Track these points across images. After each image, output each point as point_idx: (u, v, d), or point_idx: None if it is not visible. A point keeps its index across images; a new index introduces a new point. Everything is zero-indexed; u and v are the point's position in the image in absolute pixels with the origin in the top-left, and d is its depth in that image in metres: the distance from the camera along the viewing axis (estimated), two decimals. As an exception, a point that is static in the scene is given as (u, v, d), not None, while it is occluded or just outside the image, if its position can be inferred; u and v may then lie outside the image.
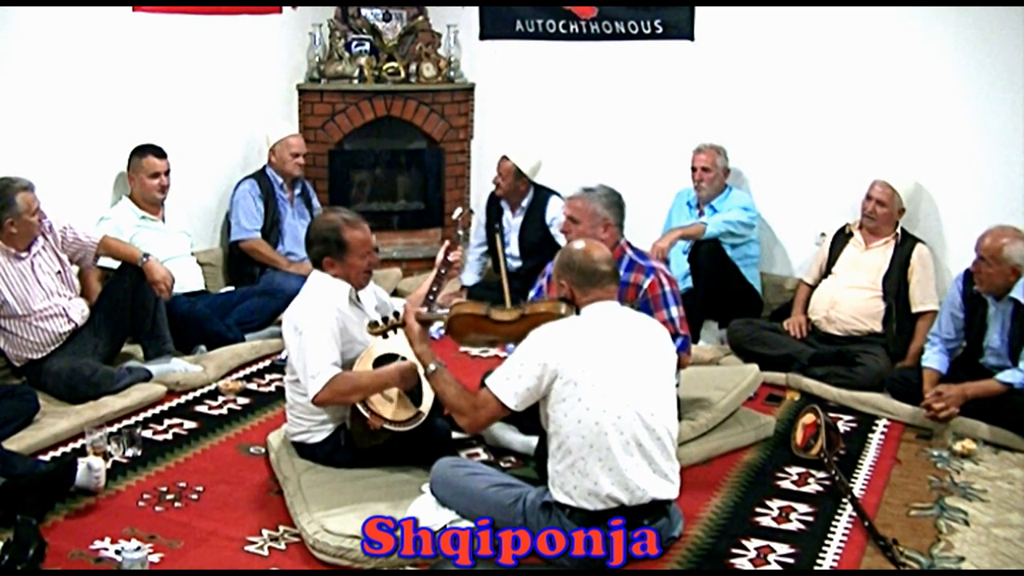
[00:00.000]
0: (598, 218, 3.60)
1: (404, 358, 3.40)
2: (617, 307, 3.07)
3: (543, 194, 5.46)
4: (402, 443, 3.36)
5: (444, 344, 3.44)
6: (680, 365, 3.63)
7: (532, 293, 3.94)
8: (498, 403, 2.92)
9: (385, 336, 3.33)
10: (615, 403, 2.83)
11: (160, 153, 4.86)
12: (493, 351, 4.82)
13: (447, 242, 3.63)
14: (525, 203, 5.47)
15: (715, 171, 5.14)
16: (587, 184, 3.71)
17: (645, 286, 3.56)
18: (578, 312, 3.05)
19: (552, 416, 2.90)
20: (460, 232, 3.66)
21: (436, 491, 3.13)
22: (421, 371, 3.23)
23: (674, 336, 3.52)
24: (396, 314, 3.30)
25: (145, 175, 4.83)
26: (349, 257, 3.41)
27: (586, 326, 2.98)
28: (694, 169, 5.19)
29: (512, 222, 5.52)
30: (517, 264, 5.44)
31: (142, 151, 4.84)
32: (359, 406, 3.26)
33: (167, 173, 4.88)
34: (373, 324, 3.30)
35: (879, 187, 4.69)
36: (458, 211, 3.77)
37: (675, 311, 3.58)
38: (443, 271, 3.60)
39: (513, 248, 5.50)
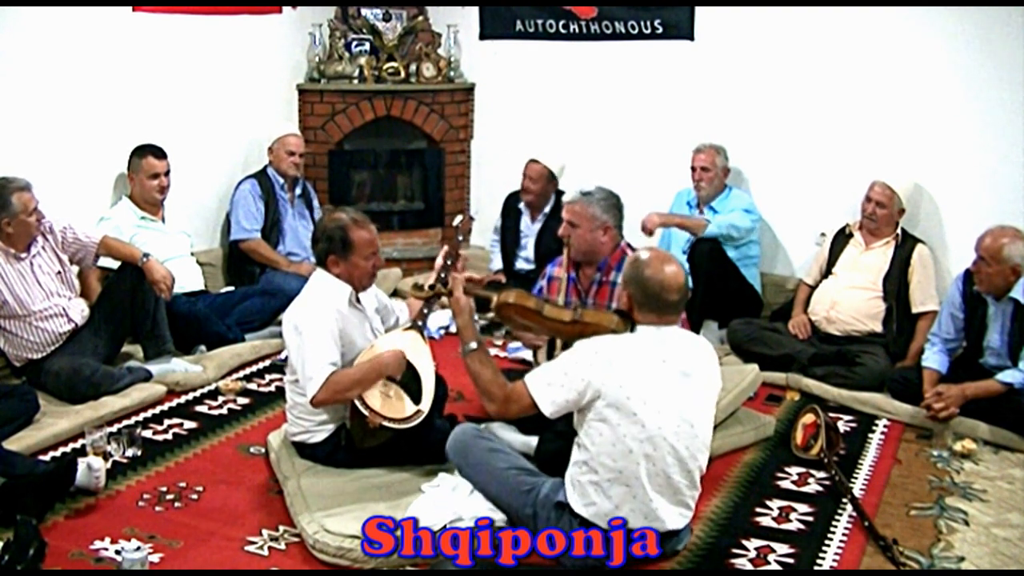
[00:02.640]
0: (597, 221, 3.60)
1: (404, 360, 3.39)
2: (675, 331, 2.93)
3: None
4: (402, 443, 3.36)
5: (444, 344, 3.43)
6: None
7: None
8: (532, 402, 2.86)
9: (428, 302, 3.29)
10: (653, 435, 2.79)
11: (160, 154, 4.86)
12: (493, 351, 4.82)
13: (446, 247, 3.63)
14: (548, 209, 5.40)
15: (715, 171, 5.14)
16: (584, 187, 3.69)
17: None
18: (634, 328, 2.95)
19: (586, 430, 2.85)
20: (460, 238, 3.66)
21: (452, 455, 3.10)
22: (422, 365, 3.21)
23: None
24: (444, 282, 3.26)
25: (145, 176, 4.83)
26: (353, 257, 3.40)
27: (638, 350, 2.86)
28: (694, 169, 5.18)
29: (531, 227, 5.49)
30: (530, 267, 5.42)
31: (142, 152, 4.84)
32: (357, 403, 3.26)
33: (167, 174, 4.88)
34: (418, 287, 3.26)
35: (878, 188, 4.68)
36: (458, 218, 3.78)
37: None
38: (443, 275, 3.60)
39: (528, 252, 5.48)
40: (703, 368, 2.94)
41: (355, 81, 6.05)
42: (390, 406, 3.31)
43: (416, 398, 3.37)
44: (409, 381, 3.38)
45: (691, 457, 2.87)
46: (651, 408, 2.79)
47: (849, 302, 4.66)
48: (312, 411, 3.39)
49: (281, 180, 5.49)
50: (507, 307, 3.14)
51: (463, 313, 3.11)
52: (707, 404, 2.95)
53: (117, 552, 2.95)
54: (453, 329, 3.54)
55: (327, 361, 3.25)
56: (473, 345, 3.03)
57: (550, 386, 2.85)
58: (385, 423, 3.25)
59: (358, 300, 3.50)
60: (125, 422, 3.96)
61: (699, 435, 2.89)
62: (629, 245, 3.72)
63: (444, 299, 3.33)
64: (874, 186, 4.71)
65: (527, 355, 4.36)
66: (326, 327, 3.29)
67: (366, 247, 3.41)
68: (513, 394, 2.92)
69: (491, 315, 3.22)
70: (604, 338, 2.91)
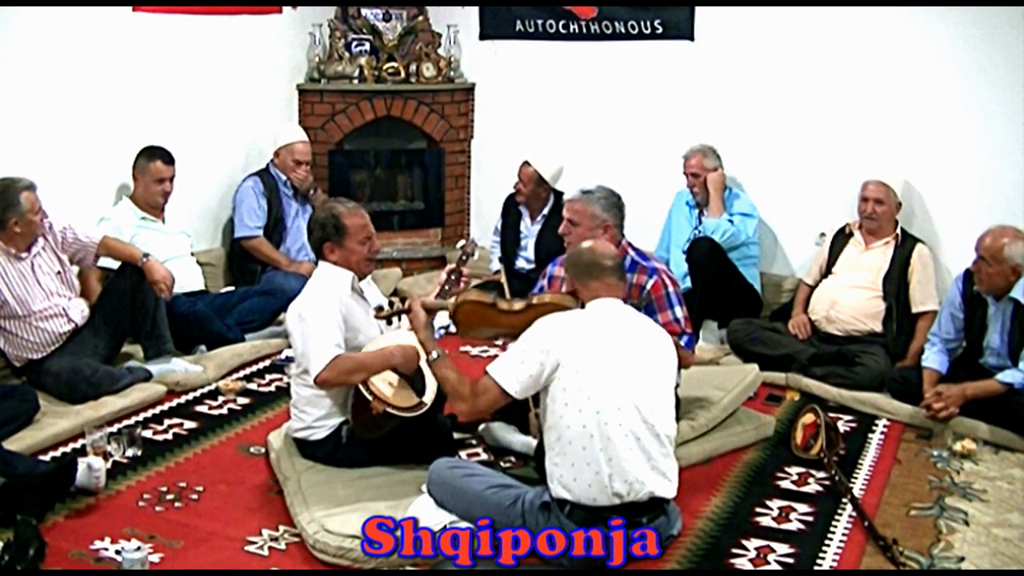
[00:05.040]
0: (597, 220, 3.60)
1: None
2: (621, 305, 3.09)
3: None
4: (403, 439, 3.37)
5: (444, 344, 3.44)
6: (684, 364, 3.63)
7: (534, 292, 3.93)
8: (499, 389, 2.94)
9: (389, 322, 3.37)
10: (616, 394, 2.85)
11: (168, 159, 4.85)
12: (493, 351, 4.82)
13: (450, 265, 3.64)
14: (546, 210, 5.41)
15: (704, 175, 5.13)
16: (585, 186, 3.70)
17: (648, 287, 3.56)
18: (583, 307, 3.07)
19: (552, 407, 2.90)
20: (464, 257, 3.71)
21: (433, 492, 3.12)
22: (423, 358, 3.26)
23: (680, 334, 3.53)
24: (403, 300, 3.33)
25: (151, 179, 4.82)
26: (348, 241, 3.43)
27: (590, 318, 3.01)
28: (687, 176, 5.19)
29: (531, 229, 5.50)
30: (530, 267, 5.42)
31: (151, 155, 4.82)
32: (361, 387, 3.27)
33: (171, 179, 4.88)
34: (379, 308, 3.36)
35: (873, 186, 4.69)
36: (461, 242, 3.84)
37: (679, 311, 3.59)
38: (447, 288, 3.61)
39: (529, 253, 5.48)
40: (653, 340, 3.06)
41: (355, 81, 6.05)
42: (394, 394, 3.32)
43: (420, 390, 3.39)
44: (413, 377, 3.40)
45: (657, 421, 2.90)
46: (611, 369, 2.87)
47: (849, 302, 4.66)
48: (315, 405, 3.40)
49: (284, 177, 5.49)
50: (465, 306, 3.24)
51: (422, 328, 3.22)
52: (664, 372, 3.03)
53: (117, 552, 2.95)
54: (453, 329, 3.58)
55: (332, 343, 3.27)
56: (436, 355, 3.14)
57: (511, 366, 2.93)
58: (389, 409, 3.25)
59: (360, 289, 3.51)
60: (125, 422, 3.97)
61: (661, 398, 2.96)
62: (631, 245, 3.71)
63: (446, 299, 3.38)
64: (867, 185, 4.71)
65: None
66: (329, 312, 3.32)
67: (360, 231, 3.45)
68: (479, 387, 3.00)
69: (512, 299, 3.26)
70: (557, 313, 3.02)
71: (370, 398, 3.26)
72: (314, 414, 3.43)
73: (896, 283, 4.61)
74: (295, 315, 3.39)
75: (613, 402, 2.84)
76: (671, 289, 3.59)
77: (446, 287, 3.61)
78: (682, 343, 3.54)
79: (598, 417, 2.83)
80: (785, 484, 3.58)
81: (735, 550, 3.09)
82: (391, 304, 3.33)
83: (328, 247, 3.45)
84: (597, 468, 2.83)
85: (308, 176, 5.51)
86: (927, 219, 4.91)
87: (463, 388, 3.04)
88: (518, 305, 3.20)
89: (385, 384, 3.33)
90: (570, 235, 3.65)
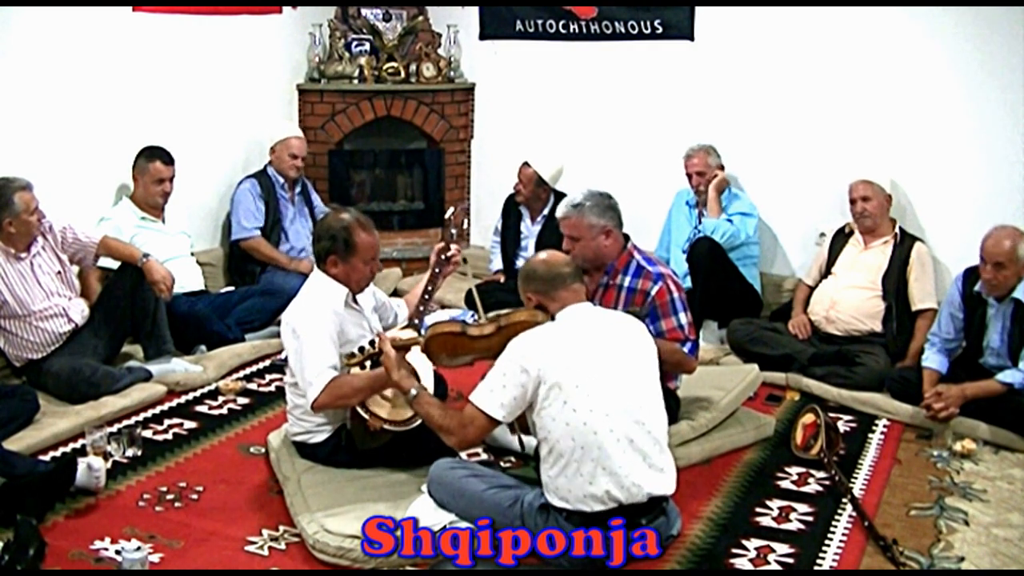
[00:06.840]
0: (596, 229, 3.54)
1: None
2: (590, 307, 3.07)
3: None
4: (402, 444, 3.36)
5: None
6: (687, 370, 3.63)
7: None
8: (485, 417, 2.90)
9: (362, 367, 3.29)
10: (602, 402, 2.83)
11: (168, 159, 4.85)
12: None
13: (441, 243, 3.62)
14: (546, 211, 5.40)
15: (709, 173, 5.14)
16: (573, 198, 3.59)
17: (653, 293, 3.52)
18: (553, 319, 3.04)
19: (540, 423, 2.89)
20: (453, 230, 3.64)
21: (434, 493, 3.12)
22: (420, 365, 3.23)
23: (683, 341, 3.52)
24: (372, 343, 3.24)
25: (150, 180, 4.82)
26: (354, 259, 3.37)
27: (563, 329, 2.97)
28: (690, 176, 5.19)
29: (531, 229, 5.49)
30: None
31: (150, 155, 4.82)
32: (358, 407, 3.26)
33: (171, 180, 4.88)
34: (350, 356, 3.26)
35: (858, 186, 4.71)
36: (450, 210, 3.77)
37: (683, 318, 3.55)
38: (438, 270, 3.60)
39: (530, 253, 5.47)
40: (630, 334, 3.03)
41: (355, 81, 6.05)
42: (390, 409, 3.31)
43: None
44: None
45: (648, 418, 2.89)
46: (593, 377, 2.84)
47: (849, 302, 4.66)
48: (312, 412, 3.39)
49: (281, 179, 5.49)
50: (435, 339, 3.13)
51: (395, 368, 3.08)
52: (645, 361, 3.01)
53: (117, 552, 2.95)
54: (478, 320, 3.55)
55: (327, 364, 3.24)
56: (414, 392, 3.06)
57: (492, 392, 2.89)
58: (386, 426, 3.25)
59: (355, 300, 3.49)
60: (125, 422, 3.97)
61: (648, 393, 2.94)
62: (636, 247, 3.66)
63: (435, 306, 3.32)
64: (853, 187, 4.72)
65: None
66: (323, 330, 3.28)
67: (368, 251, 3.38)
68: (466, 418, 2.95)
69: (482, 323, 3.20)
70: (529, 330, 2.96)
71: (366, 416, 3.25)
72: (314, 420, 3.42)
73: (895, 282, 4.60)
74: (288, 329, 3.35)
75: (601, 410, 2.82)
76: (676, 295, 3.55)
77: (436, 269, 3.59)
78: (685, 350, 3.53)
79: (586, 428, 2.81)
80: (785, 484, 3.58)
81: (735, 550, 3.09)
82: (361, 350, 3.25)
83: (332, 260, 3.37)
84: (591, 479, 2.82)
85: (300, 167, 5.49)
86: (926, 218, 4.91)
87: (449, 422, 2.98)
88: (488, 329, 3.11)
89: (380, 399, 3.31)
90: (574, 250, 3.57)
